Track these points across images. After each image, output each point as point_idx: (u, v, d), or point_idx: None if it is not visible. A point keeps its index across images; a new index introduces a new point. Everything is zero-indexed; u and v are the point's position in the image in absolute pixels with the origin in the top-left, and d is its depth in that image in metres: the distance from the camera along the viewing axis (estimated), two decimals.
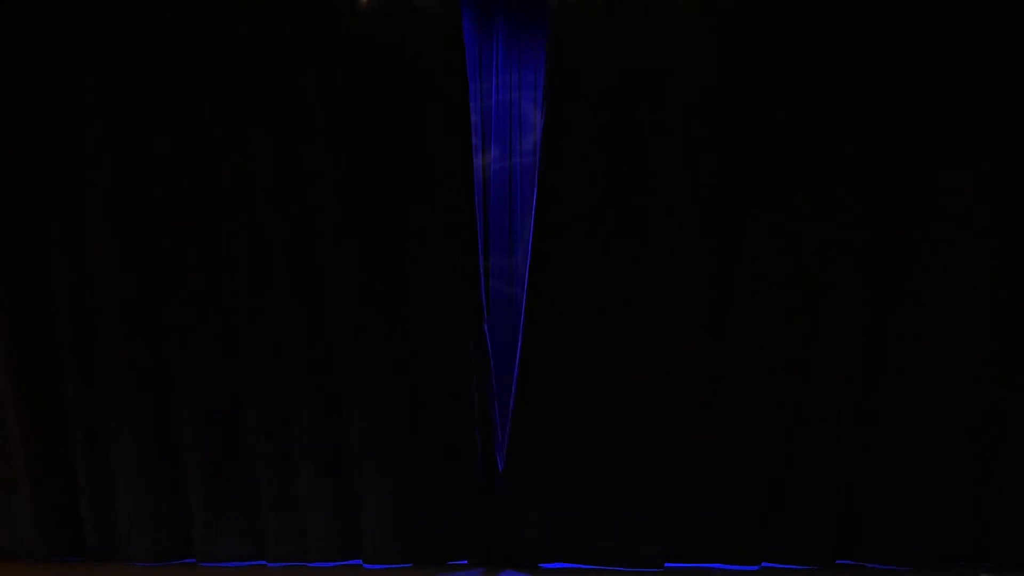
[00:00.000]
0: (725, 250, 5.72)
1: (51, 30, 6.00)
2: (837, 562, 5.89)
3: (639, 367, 5.76)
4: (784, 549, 5.83)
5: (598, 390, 5.82)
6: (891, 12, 5.67)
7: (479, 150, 8.22)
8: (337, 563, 6.04)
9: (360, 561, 5.98)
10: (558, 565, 5.79)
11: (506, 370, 8.12)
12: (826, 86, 5.67)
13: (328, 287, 5.88)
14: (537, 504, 5.79)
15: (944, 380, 5.75)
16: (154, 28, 5.93)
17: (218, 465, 6.21)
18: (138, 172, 6.00)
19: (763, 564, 5.81)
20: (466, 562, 5.96)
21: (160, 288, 5.98)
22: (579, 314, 5.81)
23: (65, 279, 6.05)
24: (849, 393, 5.75)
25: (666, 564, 5.79)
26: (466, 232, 5.97)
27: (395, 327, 5.93)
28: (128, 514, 6.28)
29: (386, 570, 5.85)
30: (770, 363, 5.68)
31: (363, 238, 5.89)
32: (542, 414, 5.83)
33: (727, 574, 5.69)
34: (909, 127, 5.67)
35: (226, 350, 5.97)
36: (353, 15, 6.17)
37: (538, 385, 5.85)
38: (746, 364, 5.70)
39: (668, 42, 5.76)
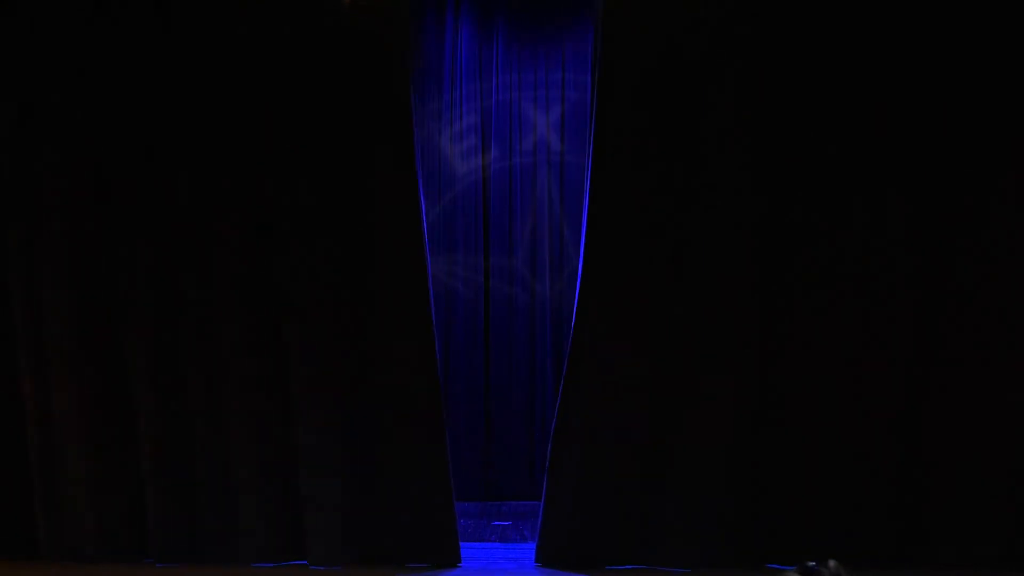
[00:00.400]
0: (774, 256, 5.61)
1: None
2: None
3: (701, 368, 5.62)
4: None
5: (642, 394, 5.69)
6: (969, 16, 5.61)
7: (479, 150, 8.27)
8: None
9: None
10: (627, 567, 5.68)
11: (505, 369, 8.19)
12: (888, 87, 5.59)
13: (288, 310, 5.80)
14: (585, 507, 5.66)
15: (997, 379, 5.63)
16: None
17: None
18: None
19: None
20: (426, 564, 5.93)
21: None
22: (629, 316, 5.69)
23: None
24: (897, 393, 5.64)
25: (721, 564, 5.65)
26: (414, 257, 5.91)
27: (354, 346, 5.81)
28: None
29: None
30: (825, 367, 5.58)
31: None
32: (588, 418, 5.70)
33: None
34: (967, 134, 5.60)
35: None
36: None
37: (586, 391, 5.70)
38: (799, 365, 5.61)
39: (719, 35, 5.64)
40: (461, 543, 6.07)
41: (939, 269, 5.60)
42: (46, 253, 5.81)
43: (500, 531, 6.89)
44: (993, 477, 5.58)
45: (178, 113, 5.81)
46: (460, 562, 5.80)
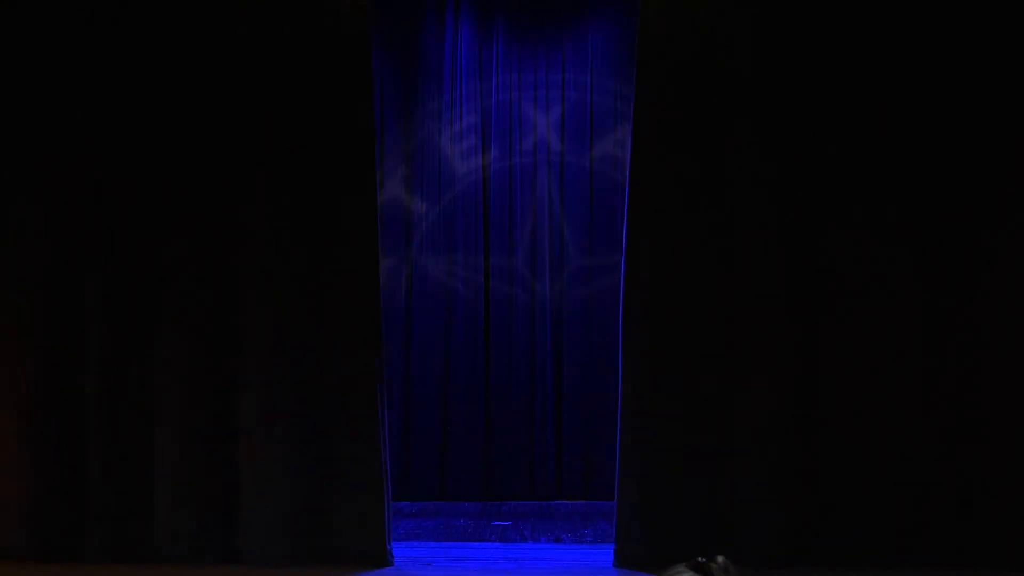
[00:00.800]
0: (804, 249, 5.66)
1: None
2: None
3: (744, 368, 5.63)
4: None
5: (694, 391, 5.70)
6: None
7: (479, 150, 8.26)
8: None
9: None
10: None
11: (505, 369, 8.19)
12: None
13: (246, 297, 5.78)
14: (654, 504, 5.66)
15: None
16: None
17: None
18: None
19: None
20: (357, 565, 5.90)
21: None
22: (674, 312, 5.70)
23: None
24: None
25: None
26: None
27: (307, 339, 5.81)
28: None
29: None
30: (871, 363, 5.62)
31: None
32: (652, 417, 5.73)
33: None
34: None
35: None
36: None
37: (644, 388, 5.70)
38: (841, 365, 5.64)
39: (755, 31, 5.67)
40: (461, 543, 6.07)
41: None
42: None
43: (500, 531, 6.89)
44: None
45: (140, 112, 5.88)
46: (391, 564, 5.78)
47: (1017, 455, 5.59)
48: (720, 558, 1.35)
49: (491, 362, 8.04)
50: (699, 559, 1.41)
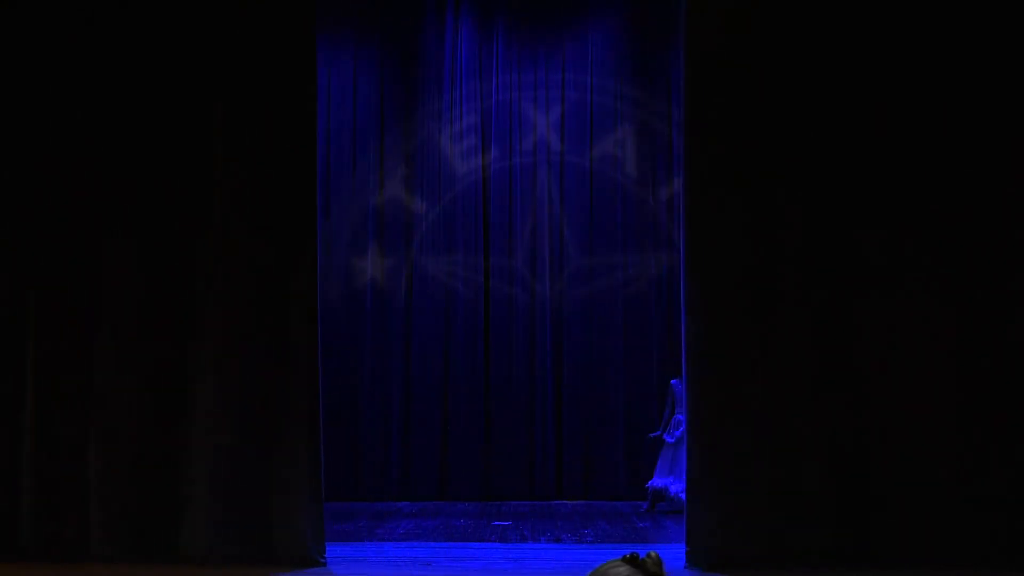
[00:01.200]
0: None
1: None
2: None
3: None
4: None
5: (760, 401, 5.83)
6: None
7: (479, 150, 8.27)
8: None
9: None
10: None
11: (505, 369, 8.20)
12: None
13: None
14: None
15: None
16: None
17: None
18: None
19: None
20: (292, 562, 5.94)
21: None
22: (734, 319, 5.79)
23: None
24: None
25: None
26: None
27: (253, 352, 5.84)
28: None
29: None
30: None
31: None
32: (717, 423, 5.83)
33: None
34: None
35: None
36: None
37: (710, 408, 5.81)
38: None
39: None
40: (461, 543, 6.07)
41: None
42: None
43: (500, 531, 6.89)
44: None
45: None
46: (323, 563, 5.80)
47: None
48: (653, 552, 1.38)
49: (491, 362, 8.08)
50: (634, 553, 1.43)
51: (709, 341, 5.71)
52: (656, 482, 7.25)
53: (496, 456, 7.99)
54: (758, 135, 5.62)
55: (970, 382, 5.76)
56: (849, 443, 5.81)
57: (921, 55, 5.73)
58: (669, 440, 7.27)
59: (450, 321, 8.10)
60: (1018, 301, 5.66)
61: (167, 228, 5.61)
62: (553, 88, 8.17)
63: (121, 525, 5.73)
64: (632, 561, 1.53)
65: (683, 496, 7.36)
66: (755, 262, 5.71)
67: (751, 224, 5.62)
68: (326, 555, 5.80)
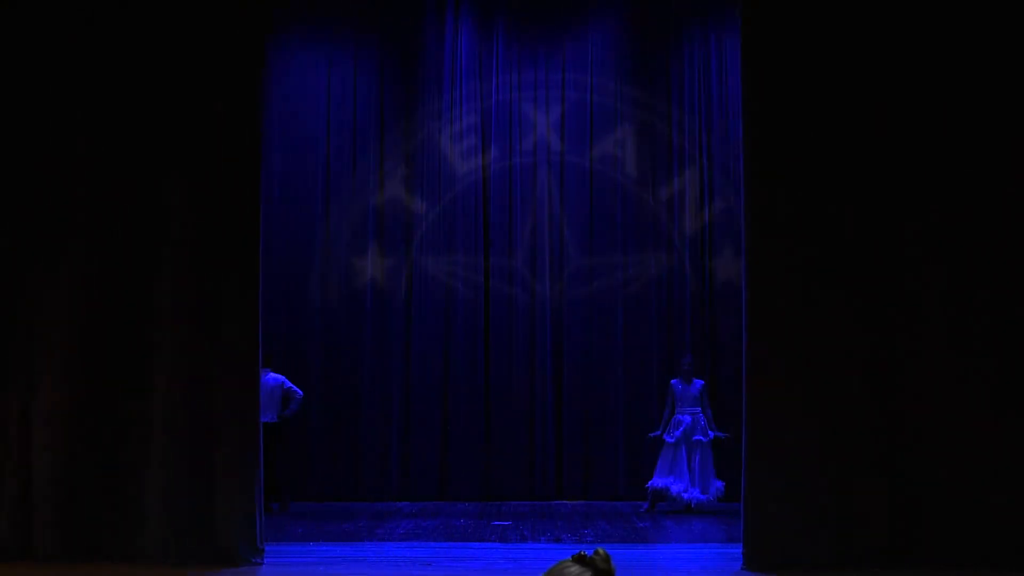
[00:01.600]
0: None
1: None
2: None
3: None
4: None
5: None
6: None
7: (479, 150, 8.27)
8: None
9: None
10: None
11: (505, 369, 8.19)
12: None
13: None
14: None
15: None
16: None
17: None
18: None
19: None
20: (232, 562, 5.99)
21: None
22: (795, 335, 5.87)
23: None
24: None
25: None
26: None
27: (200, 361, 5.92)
28: None
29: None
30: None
31: None
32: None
33: None
34: None
35: None
36: None
37: (767, 415, 5.85)
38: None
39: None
40: (461, 543, 6.06)
41: None
42: None
43: (500, 531, 6.89)
44: None
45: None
46: (259, 563, 5.83)
47: None
48: (601, 550, 1.42)
49: (491, 362, 8.08)
50: (582, 552, 1.49)
51: (770, 345, 5.75)
52: (656, 482, 7.25)
53: (496, 456, 7.98)
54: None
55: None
56: (904, 444, 5.81)
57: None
58: (669, 440, 7.28)
59: (450, 321, 8.09)
60: None
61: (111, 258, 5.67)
62: (553, 88, 8.16)
63: (67, 526, 5.80)
64: (581, 560, 1.59)
65: (683, 496, 7.41)
66: (814, 267, 5.78)
67: (810, 228, 5.63)
68: (263, 558, 5.84)
